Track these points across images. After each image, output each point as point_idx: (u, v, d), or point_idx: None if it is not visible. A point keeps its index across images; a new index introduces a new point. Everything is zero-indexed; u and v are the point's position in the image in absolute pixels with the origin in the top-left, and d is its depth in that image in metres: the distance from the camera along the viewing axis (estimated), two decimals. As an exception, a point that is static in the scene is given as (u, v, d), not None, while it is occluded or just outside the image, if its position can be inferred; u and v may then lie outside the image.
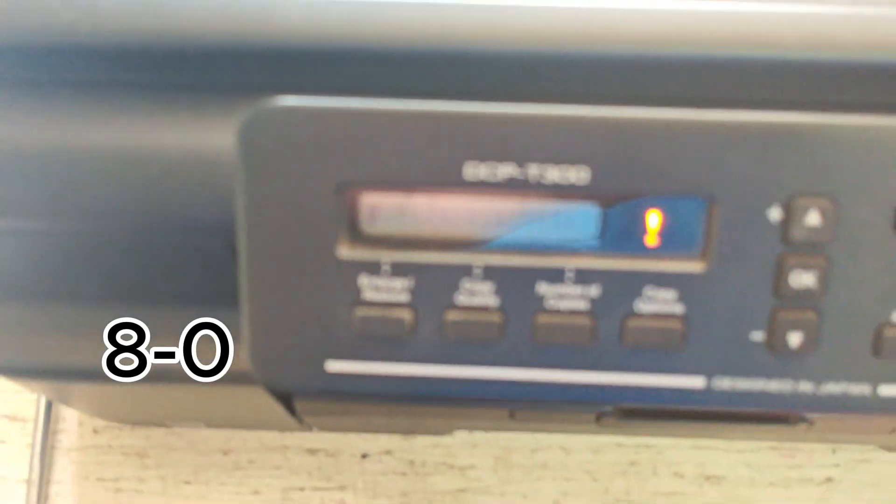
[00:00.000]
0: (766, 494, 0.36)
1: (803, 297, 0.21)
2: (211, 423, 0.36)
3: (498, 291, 0.21)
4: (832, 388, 0.22)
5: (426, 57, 0.20)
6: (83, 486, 0.37)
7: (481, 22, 0.20)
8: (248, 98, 0.21)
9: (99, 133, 0.21)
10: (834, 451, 0.36)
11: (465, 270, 0.21)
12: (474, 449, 0.37)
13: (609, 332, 0.21)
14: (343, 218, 0.21)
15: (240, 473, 0.37)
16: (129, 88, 0.21)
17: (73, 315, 0.24)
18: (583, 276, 0.21)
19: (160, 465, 0.37)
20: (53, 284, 0.23)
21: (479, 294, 0.21)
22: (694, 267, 0.21)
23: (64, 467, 0.37)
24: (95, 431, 0.37)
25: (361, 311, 0.22)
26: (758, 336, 0.21)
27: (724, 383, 0.22)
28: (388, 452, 0.37)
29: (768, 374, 0.22)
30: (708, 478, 0.36)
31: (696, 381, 0.22)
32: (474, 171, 0.20)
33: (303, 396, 0.25)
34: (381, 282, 0.21)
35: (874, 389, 0.22)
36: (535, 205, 0.21)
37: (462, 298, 0.21)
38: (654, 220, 0.21)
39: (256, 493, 0.37)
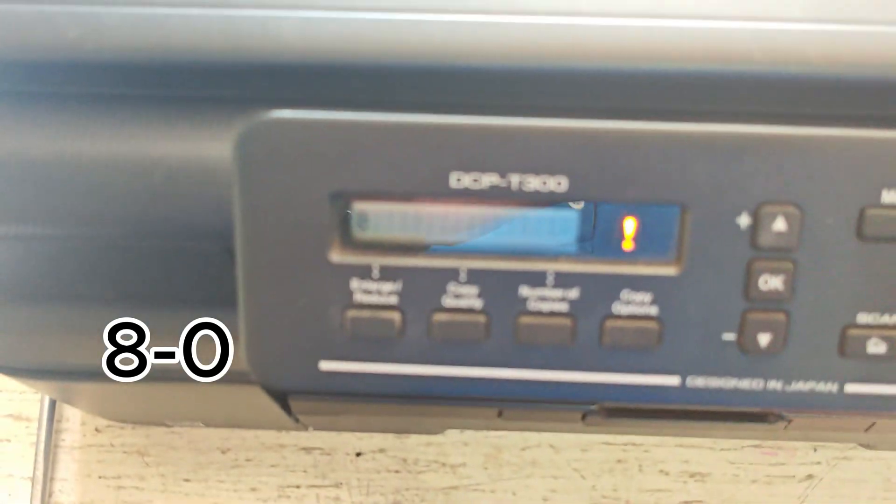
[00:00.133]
0: (749, 491, 0.37)
1: (772, 299, 0.22)
2: (210, 423, 0.37)
3: (482, 294, 0.22)
4: (801, 386, 0.23)
5: (414, 72, 0.21)
6: (86, 483, 0.37)
7: (465, 39, 0.21)
8: (245, 111, 0.22)
9: (104, 143, 0.22)
10: (815, 449, 0.37)
11: (451, 274, 0.22)
12: (465, 447, 0.37)
13: (588, 333, 0.22)
14: (335, 224, 0.22)
15: (238, 471, 0.37)
16: (131, 102, 0.22)
17: (76, 316, 0.25)
18: (563, 280, 0.22)
19: (160, 463, 0.37)
20: (59, 287, 0.24)
21: (464, 297, 0.22)
22: (668, 271, 0.22)
23: (67, 465, 0.37)
24: (97, 430, 0.38)
25: (353, 313, 0.23)
26: (729, 337, 0.22)
27: (698, 382, 0.23)
28: (381, 451, 0.37)
29: (740, 373, 0.23)
30: (692, 475, 0.37)
31: (671, 380, 0.23)
32: (460, 180, 0.21)
33: (298, 396, 0.26)
34: (371, 285, 0.22)
35: (841, 388, 0.23)
36: (517, 212, 0.22)
37: (448, 301, 0.22)
38: (630, 226, 0.22)
39: (254, 490, 0.37)
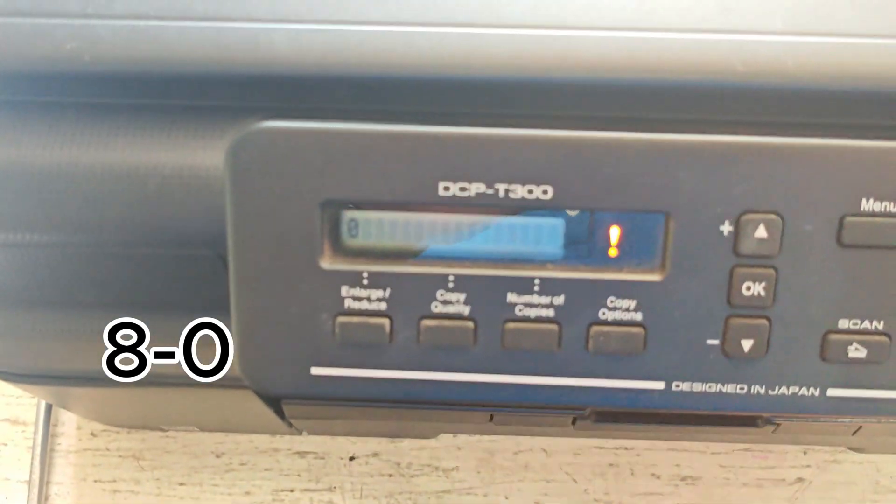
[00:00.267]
0: (739, 494, 0.37)
1: (754, 305, 0.22)
2: (204, 427, 0.37)
3: (470, 300, 0.23)
4: (784, 390, 0.23)
5: (402, 83, 0.21)
6: (81, 487, 0.38)
7: (452, 51, 0.21)
8: (237, 121, 0.22)
9: (98, 152, 0.23)
10: (805, 453, 0.38)
11: (440, 281, 0.23)
12: (458, 451, 0.38)
13: (574, 339, 0.23)
14: (325, 232, 0.22)
15: (232, 475, 0.38)
16: (126, 112, 0.22)
17: (72, 322, 0.25)
18: (549, 286, 0.23)
19: (155, 467, 0.38)
20: (54, 293, 0.24)
21: (452, 303, 0.23)
22: (653, 277, 0.22)
23: (63, 469, 0.38)
24: (93, 435, 0.38)
25: (343, 320, 0.23)
26: (713, 342, 0.23)
27: (683, 386, 0.23)
28: (375, 455, 0.38)
29: (724, 378, 0.23)
30: (684, 478, 0.38)
31: (656, 385, 0.23)
32: (447, 188, 0.22)
33: (290, 400, 0.26)
34: (361, 292, 0.23)
35: (823, 392, 0.23)
36: (504, 220, 0.23)
37: (436, 307, 0.23)
38: (615, 233, 0.23)
39: (248, 494, 0.38)
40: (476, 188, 0.22)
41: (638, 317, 0.23)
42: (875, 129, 0.22)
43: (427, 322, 0.23)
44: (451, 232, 0.23)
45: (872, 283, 0.22)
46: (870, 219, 0.22)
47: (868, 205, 0.21)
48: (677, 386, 0.23)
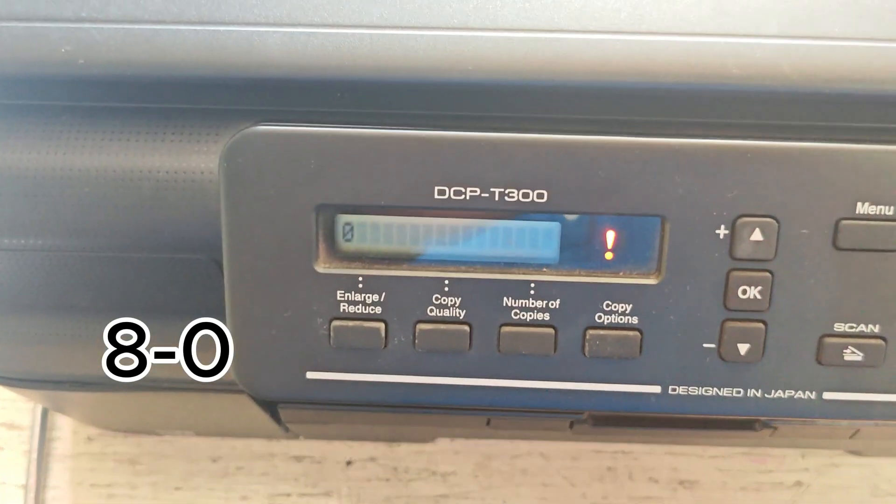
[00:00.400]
0: (737, 498, 0.37)
1: (750, 309, 0.22)
2: (200, 432, 0.37)
3: (465, 304, 0.23)
4: (780, 394, 0.23)
5: (397, 87, 0.21)
6: (77, 491, 0.38)
7: (447, 55, 0.21)
8: (232, 125, 0.22)
9: (94, 156, 0.23)
10: (803, 456, 0.37)
11: (435, 285, 0.23)
12: (456, 456, 0.38)
13: (570, 343, 0.23)
14: (321, 236, 0.22)
15: (228, 480, 0.38)
16: (121, 115, 0.23)
17: (69, 326, 0.25)
18: (545, 290, 0.23)
19: (151, 471, 0.38)
20: (51, 298, 0.24)
21: (447, 307, 0.23)
22: (649, 281, 0.22)
23: (59, 474, 0.38)
24: (89, 439, 0.38)
25: (338, 324, 0.23)
26: (709, 346, 0.23)
27: (680, 390, 0.23)
28: (372, 459, 0.38)
29: (720, 382, 0.23)
30: (682, 482, 0.37)
31: (652, 388, 0.23)
32: (443, 192, 0.22)
33: (286, 405, 0.26)
34: (356, 296, 0.23)
35: (819, 395, 0.23)
36: (499, 224, 0.23)
37: (432, 311, 0.23)
38: (610, 237, 0.23)
39: (244, 498, 0.38)
40: (471, 192, 0.22)
41: (634, 320, 0.23)
42: (870, 132, 0.22)
43: (423, 326, 0.23)
44: (446, 236, 0.23)
45: (868, 286, 0.22)
46: (865, 222, 0.22)
47: (863, 208, 0.21)
48: (674, 390, 0.23)
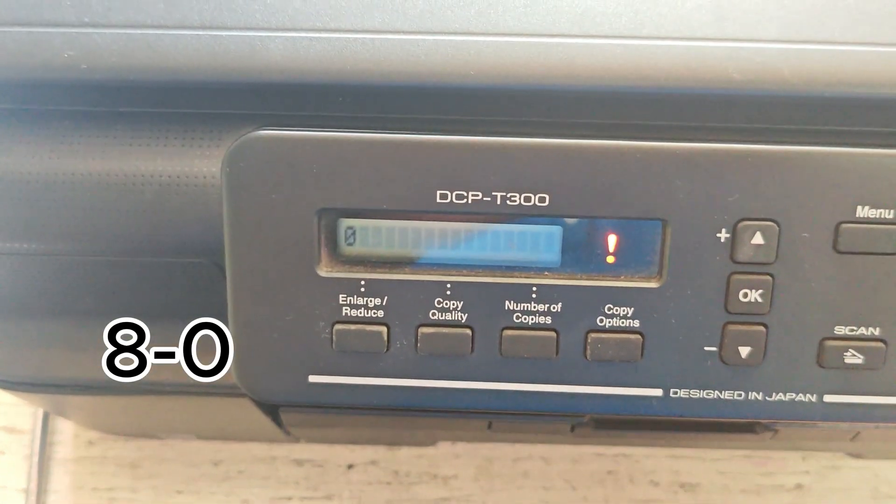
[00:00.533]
0: (738, 500, 0.37)
1: (752, 312, 0.22)
2: (202, 435, 0.37)
3: (467, 308, 0.23)
4: (781, 396, 0.23)
5: (399, 92, 0.21)
6: (78, 495, 0.38)
7: (449, 60, 0.21)
8: (234, 129, 0.22)
9: (96, 161, 0.23)
10: (804, 459, 0.38)
11: (437, 288, 0.23)
12: (457, 459, 0.38)
13: (572, 346, 0.23)
14: (323, 240, 0.23)
15: (229, 483, 0.38)
16: (123, 120, 0.23)
17: (70, 330, 0.25)
18: (546, 294, 0.23)
19: (152, 475, 0.38)
20: (52, 302, 0.25)
21: (449, 311, 0.23)
22: (650, 284, 0.23)
23: (60, 477, 0.38)
24: (90, 443, 0.38)
25: (341, 327, 0.23)
26: (711, 349, 0.23)
27: (681, 393, 0.23)
28: (373, 463, 0.38)
29: (721, 385, 0.23)
30: (683, 485, 0.37)
31: (654, 391, 0.23)
32: (445, 196, 0.22)
33: (288, 408, 0.26)
34: (359, 300, 0.23)
35: (820, 398, 0.23)
36: (501, 228, 0.23)
37: (434, 315, 0.23)
38: (612, 241, 0.23)
39: (246, 502, 0.37)
40: (473, 196, 0.22)
41: (636, 324, 0.23)
42: (870, 136, 0.22)
43: (425, 329, 0.23)
44: (448, 240, 0.23)
45: (868, 289, 0.22)
46: (865, 226, 0.22)
47: (863, 212, 0.22)
48: (675, 393, 0.23)
